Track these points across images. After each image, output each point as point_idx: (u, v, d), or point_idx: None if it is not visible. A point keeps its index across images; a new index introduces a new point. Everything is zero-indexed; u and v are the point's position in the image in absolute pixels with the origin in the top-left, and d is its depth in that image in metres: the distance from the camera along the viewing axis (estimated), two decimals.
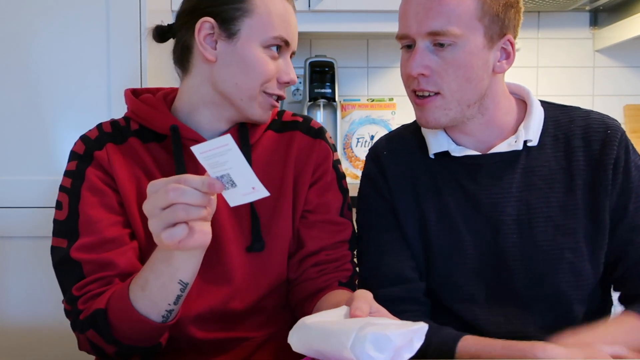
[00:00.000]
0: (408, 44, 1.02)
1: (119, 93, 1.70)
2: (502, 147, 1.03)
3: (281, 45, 1.01)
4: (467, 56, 0.97)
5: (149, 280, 0.87)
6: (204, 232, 0.80)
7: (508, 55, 1.02)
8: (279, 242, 1.05)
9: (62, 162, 1.71)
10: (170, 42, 1.13)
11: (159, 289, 0.87)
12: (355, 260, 1.12)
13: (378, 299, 1.04)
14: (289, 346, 1.07)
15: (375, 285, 1.06)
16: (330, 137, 1.14)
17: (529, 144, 1.03)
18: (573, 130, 1.03)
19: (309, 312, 1.02)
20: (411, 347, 0.69)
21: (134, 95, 1.09)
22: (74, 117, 1.71)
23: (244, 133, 1.06)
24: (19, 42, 1.70)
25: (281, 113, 1.14)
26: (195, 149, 0.74)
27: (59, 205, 1.01)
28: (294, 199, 1.07)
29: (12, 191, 1.70)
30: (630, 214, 0.99)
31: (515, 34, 1.03)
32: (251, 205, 1.03)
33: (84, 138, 1.05)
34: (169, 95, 1.12)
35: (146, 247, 1.00)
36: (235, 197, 0.77)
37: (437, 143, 1.08)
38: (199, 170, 1.01)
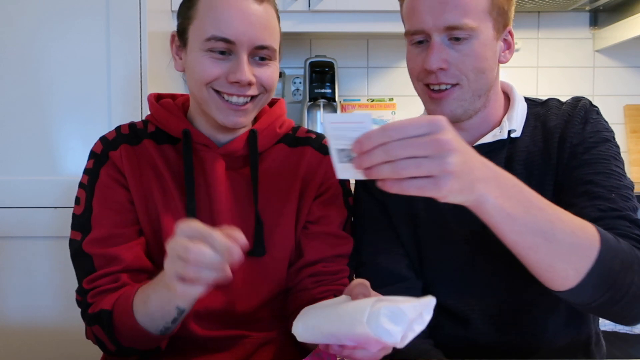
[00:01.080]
0: (420, 40, 1.02)
1: (119, 93, 1.70)
2: (487, 139, 1.05)
3: (225, 46, 0.98)
4: (482, 48, 0.99)
5: (150, 298, 0.91)
6: (209, 281, 0.80)
7: (509, 46, 1.05)
8: (280, 250, 1.07)
9: (62, 162, 1.71)
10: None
11: (158, 309, 0.90)
12: (352, 278, 1.12)
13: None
14: (290, 346, 1.08)
15: (372, 285, 1.06)
16: None
17: (512, 135, 1.04)
18: (549, 116, 1.05)
19: None
20: (422, 320, 0.70)
21: (157, 99, 1.14)
22: (74, 117, 1.71)
23: (252, 140, 1.08)
24: (19, 43, 1.70)
25: (296, 129, 1.16)
26: (327, 117, 0.72)
27: (77, 201, 1.07)
28: (298, 210, 1.09)
29: (12, 191, 1.70)
30: (577, 180, 0.98)
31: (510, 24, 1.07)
32: (256, 211, 1.05)
33: (102, 139, 1.10)
34: (187, 102, 1.16)
35: (153, 243, 1.05)
36: (347, 172, 0.75)
37: None
38: (206, 173, 1.06)
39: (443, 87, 1.01)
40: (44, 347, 1.71)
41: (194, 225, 0.78)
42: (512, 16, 1.06)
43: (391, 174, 0.69)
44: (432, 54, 0.98)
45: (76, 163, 1.71)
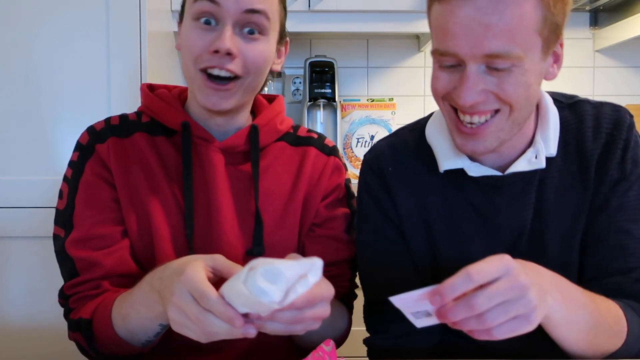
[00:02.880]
0: (451, 64, 0.86)
1: (119, 93, 1.70)
2: (521, 165, 0.93)
3: (211, 9, 0.93)
4: (526, 76, 0.84)
5: (130, 315, 0.87)
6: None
7: (557, 59, 0.90)
8: (280, 250, 1.03)
9: (62, 162, 1.71)
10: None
11: (139, 326, 0.88)
12: (354, 280, 1.10)
13: (392, 332, 1.00)
14: (284, 347, 1.06)
15: (387, 318, 1.01)
16: (342, 157, 1.13)
17: (547, 156, 0.94)
18: (584, 132, 0.95)
19: None
20: (306, 282, 0.68)
21: (150, 90, 1.09)
22: (74, 117, 1.71)
23: (254, 135, 1.05)
24: (19, 43, 1.70)
25: (296, 128, 1.13)
26: (395, 301, 0.74)
27: (60, 194, 1.02)
28: (302, 212, 1.06)
29: (12, 191, 1.70)
30: (613, 228, 0.94)
31: None
32: (256, 210, 1.02)
33: (89, 129, 1.05)
34: (183, 93, 1.11)
35: (139, 244, 1.01)
36: (425, 321, 0.77)
37: (449, 159, 0.97)
38: (204, 168, 1.02)
39: (475, 119, 0.87)
40: (44, 347, 1.71)
41: (198, 284, 0.70)
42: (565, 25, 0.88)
43: (480, 326, 0.70)
44: (467, 88, 0.83)
45: None
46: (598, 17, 2.37)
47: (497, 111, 0.86)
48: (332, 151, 1.11)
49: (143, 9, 1.70)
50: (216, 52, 0.93)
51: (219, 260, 0.75)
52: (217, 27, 0.94)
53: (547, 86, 0.92)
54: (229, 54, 0.93)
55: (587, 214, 0.94)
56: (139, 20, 1.70)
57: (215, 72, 0.95)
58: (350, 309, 1.10)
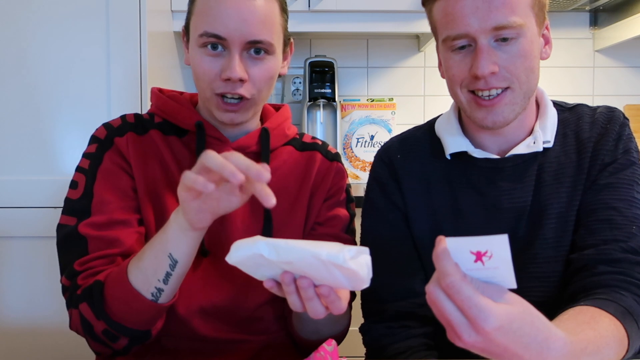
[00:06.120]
0: (462, 45, 0.96)
1: (119, 93, 1.70)
2: (520, 149, 1.01)
3: (216, 42, 0.99)
4: (529, 45, 0.95)
5: (144, 251, 0.91)
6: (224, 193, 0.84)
7: (547, 41, 1.02)
8: None
9: (62, 162, 1.71)
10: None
11: (151, 260, 0.90)
12: None
13: (387, 313, 1.03)
14: (288, 351, 1.07)
15: (383, 298, 1.04)
16: (342, 164, 1.19)
17: (545, 145, 1.01)
18: (581, 126, 1.03)
19: (297, 320, 1.04)
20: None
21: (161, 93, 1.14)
22: (74, 117, 1.72)
23: (265, 137, 1.09)
24: (18, 43, 1.70)
25: (301, 135, 1.19)
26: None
27: (74, 185, 1.04)
28: (307, 212, 1.10)
29: (12, 191, 1.70)
30: (601, 204, 0.97)
31: None
32: (265, 210, 1.05)
33: (106, 125, 1.08)
34: (193, 98, 1.16)
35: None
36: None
37: (454, 143, 1.05)
38: None
39: (493, 92, 0.96)
40: (44, 347, 1.71)
41: (197, 165, 0.80)
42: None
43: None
44: (482, 58, 0.93)
45: (76, 163, 1.70)
46: (598, 17, 2.38)
47: (507, 88, 0.96)
48: (335, 157, 1.17)
49: (143, 9, 1.70)
50: (227, 79, 0.99)
51: (210, 153, 0.79)
52: (225, 52, 0.99)
53: (548, 87, 0.95)
54: (240, 80, 0.99)
55: (581, 194, 0.99)
56: (139, 21, 1.70)
57: (229, 96, 1.01)
58: (349, 308, 1.11)
